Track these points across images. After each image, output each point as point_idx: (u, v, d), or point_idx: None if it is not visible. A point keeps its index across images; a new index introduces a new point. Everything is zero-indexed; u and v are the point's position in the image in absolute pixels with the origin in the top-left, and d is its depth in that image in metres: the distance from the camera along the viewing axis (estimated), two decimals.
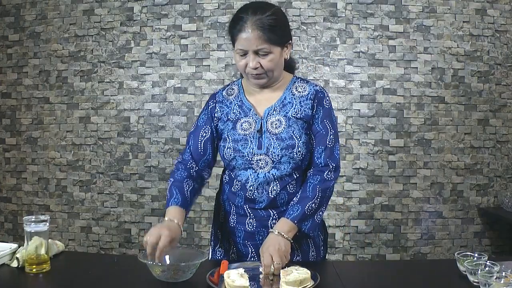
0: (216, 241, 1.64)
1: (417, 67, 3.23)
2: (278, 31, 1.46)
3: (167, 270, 1.28)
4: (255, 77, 1.50)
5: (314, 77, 3.25)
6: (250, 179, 1.51)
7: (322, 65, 3.26)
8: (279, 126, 1.51)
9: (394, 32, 3.23)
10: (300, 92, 1.56)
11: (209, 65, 3.30)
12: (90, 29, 3.38)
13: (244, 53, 1.46)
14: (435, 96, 3.24)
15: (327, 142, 1.53)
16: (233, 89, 1.61)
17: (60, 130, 3.43)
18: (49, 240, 1.43)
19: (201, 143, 1.57)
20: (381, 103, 3.25)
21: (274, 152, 1.49)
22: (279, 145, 1.49)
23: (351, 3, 3.24)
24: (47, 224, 1.39)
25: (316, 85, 1.59)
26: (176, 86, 3.33)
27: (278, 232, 1.41)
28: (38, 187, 3.46)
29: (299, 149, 1.49)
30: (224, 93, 1.61)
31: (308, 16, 3.25)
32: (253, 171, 1.51)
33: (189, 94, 3.32)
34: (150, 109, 3.35)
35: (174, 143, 3.33)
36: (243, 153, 1.50)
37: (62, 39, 3.40)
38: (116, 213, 3.38)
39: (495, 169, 3.26)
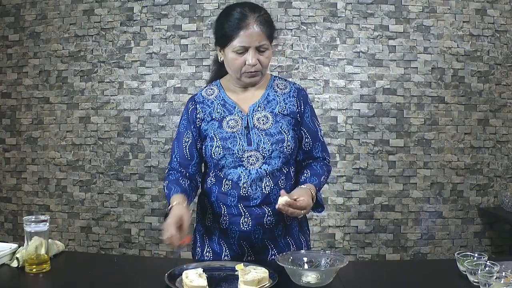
0: (203, 246, 1.61)
1: (417, 67, 3.23)
2: (273, 28, 1.53)
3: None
4: (252, 74, 1.51)
5: (314, 77, 3.25)
6: (242, 176, 1.50)
7: (322, 65, 3.26)
8: (267, 122, 1.53)
9: (394, 32, 3.23)
10: (281, 89, 1.61)
11: (209, 65, 3.29)
12: (90, 29, 3.38)
13: (244, 51, 1.47)
14: (435, 96, 3.24)
15: (320, 137, 1.64)
16: (212, 89, 1.61)
17: (60, 130, 3.43)
18: (49, 240, 1.43)
19: (186, 149, 1.57)
20: (381, 103, 3.25)
21: (264, 148, 1.50)
22: (269, 140, 1.50)
23: (351, 3, 3.24)
24: (47, 224, 1.39)
25: (295, 83, 1.66)
26: (176, 86, 3.33)
27: (307, 187, 1.49)
28: (38, 187, 3.46)
29: (289, 143, 1.52)
30: (203, 93, 1.61)
31: (308, 16, 3.25)
32: (244, 168, 1.50)
33: (189, 94, 3.31)
34: (150, 109, 3.35)
35: None
36: (233, 150, 1.49)
37: (62, 39, 3.40)
38: (116, 213, 3.38)
39: (495, 169, 3.26)
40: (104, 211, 3.39)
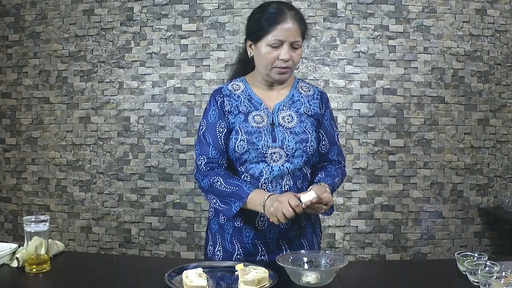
0: (215, 245, 1.60)
1: (417, 67, 3.23)
2: (307, 27, 1.56)
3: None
4: (282, 71, 1.52)
5: (314, 77, 3.25)
6: (264, 172, 1.50)
7: (322, 65, 3.26)
8: (291, 121, 1.54)
9: (394, 32, 3.23)
10: (305, 91, 1.63)
11: (209, 65, 3.30)
12: (90, 29, 3.38)
13: (279, 44, 1.48)
14: (435, 96, 3.24)
15: (337, 141, 1.66)
16: (238, 85, 1.62)
17: (60, 130, 3.43)
18: (49, 240, 1.43)
19: (221, 139, 1.53)
20: (381, 103, 3.25)
21: (288, 146, 1.51)
22: (293, 139, 1.51)
23: (351, 3, 3.24)
24: (47, 224, 1.39)
25: (317, 87, 1.68)
26: (176, 86, 3.33)
27: (323, 185, 1.47)
28: (38, 187, 3.46)
29: (312, 143, 1.54)
30: (229, 87, 1.61)
31: (308, 16, 3.25)
32: (267, 164, 1.50)
33: (189, 94, 3.32)
34: (150, 109, 3.35)
35: (174, 143, 3.33)
36: (258, 145, 1.49)
37: (62, 39, 3.40)
38: (116, 213, 3.38)
39: (495, 169, 3.26)
40: (104, 211, 3.39)
